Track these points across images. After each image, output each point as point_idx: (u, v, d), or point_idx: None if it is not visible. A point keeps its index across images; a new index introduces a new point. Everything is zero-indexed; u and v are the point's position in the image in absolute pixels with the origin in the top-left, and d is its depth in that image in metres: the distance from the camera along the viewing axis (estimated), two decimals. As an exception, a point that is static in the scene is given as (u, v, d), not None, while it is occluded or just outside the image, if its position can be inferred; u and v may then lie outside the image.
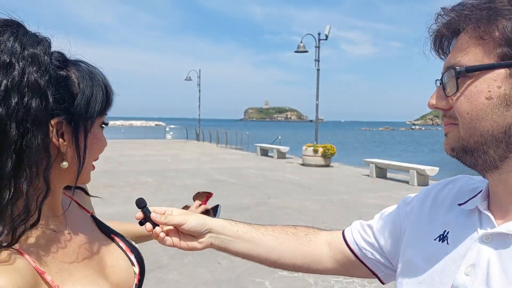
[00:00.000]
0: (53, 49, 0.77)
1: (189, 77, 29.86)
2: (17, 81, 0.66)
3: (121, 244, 0.94)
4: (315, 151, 15.09)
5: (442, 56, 0.72)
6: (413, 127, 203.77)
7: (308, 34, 17.09)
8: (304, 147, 15.62)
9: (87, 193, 1.03)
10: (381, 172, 12.52)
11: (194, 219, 0.94)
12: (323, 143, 15.99)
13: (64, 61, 0.78)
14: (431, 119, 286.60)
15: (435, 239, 0.76)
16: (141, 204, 0.93)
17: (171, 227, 0.94)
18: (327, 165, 15.05)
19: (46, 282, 0.71)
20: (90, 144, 0.81)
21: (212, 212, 1.37)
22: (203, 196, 1.39)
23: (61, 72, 0.76)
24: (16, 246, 0.70)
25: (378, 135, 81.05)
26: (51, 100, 0.70)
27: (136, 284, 0.90)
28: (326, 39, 16.70)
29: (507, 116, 0.62)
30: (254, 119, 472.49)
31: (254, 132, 35.77)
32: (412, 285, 0.76)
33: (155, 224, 0.92)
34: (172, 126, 40.58)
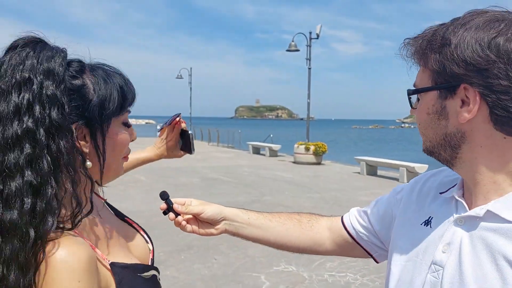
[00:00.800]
0: (74, 56, 0.87)
1: (181, 75, 29.85)
2: (37, 93, 0.77)
3: (134, 225, 1.07)
4: (307, 149, 15.24)
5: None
6: (403, 125, 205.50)
7: (299, 33, 17.22)
8: (295, 145, 15.76)
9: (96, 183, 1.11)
10: (372, 170, 12.71)
11: (211, 209, 1.08)
12: (315, 141, 16.16)
13: (80, 70, 0.87)
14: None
15: (421, 224, 0.88)
16: (164, 196, 1.06)
17: (191, 216, 1.07)
18: (319, 163, 15.22)
19: (98, 255, 0.86)
20: (110, 144, 0.91)
21: (183, 137, 1.37)
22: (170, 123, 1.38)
23: (76, 82, 0.85)
24: (78, 229, 0.83)
25: (368, 133, 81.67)
26: (67, 108, 0.80)
27: (151, 258, 1.03)
28: (318, 38, 16.84)
29: (441, 127, 0.78)
30: (245, 117, 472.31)
31: (246, 130, 35.88)
32: (399, 263, 0.89)
33: (177, 214, 1.05)
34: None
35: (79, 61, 0.89)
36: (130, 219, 1.08)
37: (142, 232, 1.06)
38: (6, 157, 0.75)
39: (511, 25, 0.72)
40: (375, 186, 10.72)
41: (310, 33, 16.81)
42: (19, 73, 0.77)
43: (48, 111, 0.77)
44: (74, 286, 0.74)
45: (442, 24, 0.79)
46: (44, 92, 0.77)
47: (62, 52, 0.84)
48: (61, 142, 0.78)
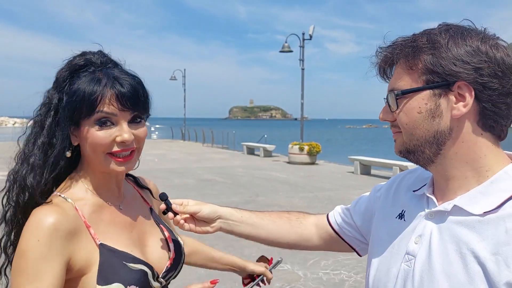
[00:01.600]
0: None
1: (174, 77, 29.83)
2: (47, 98, 1.04)
3: (166, 233, 1.15)
4: (301, 149, 15.33)
5: (387, 80, 0.93)
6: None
7: (292, 34, 17.31)
8: (290, 145, 15.85)
9: (151, 194, 1.27)
10: (365, 169, 12.82)
11: (206, 208, 1.15)
12: (308, 141, 16.25)
13: (68, 78, 1.02)
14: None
15: (396, 217, 0.96)
16: (163, 197, 1.12)
17: (188, 215, 1.13)
18: (313, 163, 15.32)
19: (90, 234, 0.99)
20: (85, 140, 1.01)
21: (272, 267, 1.52)
22: (266, 260, 1.53)
23: (61, 94, 1.02)
24: (73, 204, 1.00)
25: (362, 133, 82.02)
26: (61, 111, 1.01)
27: (167, 266, 1.10)
28: (311, 39, 16.93)
29: (434, 124, 0.84)
30: (239, 117, 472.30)
31: (240, 131, 35.92)
32: (378, 255, 0.96)
33: (175, 213, 1.11)
34: (157, 126, 40.48)
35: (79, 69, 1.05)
36: (167, 229, 1.17)
37: (169, 241, 1.13)
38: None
39: (488, 35, 0.82)
40: (369, 185, 10.82)
41: (303, 34, 16.89)
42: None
43: (53, 112, 1.04)
44: (33, 242, 0.89)
45: (416, 33, 0.86)
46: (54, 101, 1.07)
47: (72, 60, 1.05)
48: (59, 136, 1.02)
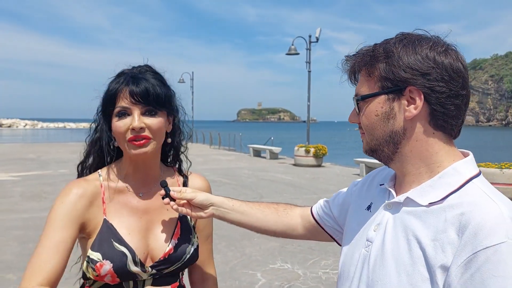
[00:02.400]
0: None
1: (182, 79, 30.07)
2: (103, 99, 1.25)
3: (177, 230, 1.28)
4: (307, 152, 15.39)
5: (355, 84, 1.02)
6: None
7: (299, 36, 17.39)
8: (296, 148, 15.91)
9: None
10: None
11: (201, 196, 1.25)
12: (316, 143, 16.29)
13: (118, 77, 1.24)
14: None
15: (365, 209, 1.06)
16: (163, 184, 1.24)
17: (185, 201, 1.24)
18: (319, 165, 15.38)
19: (102, 208, 1.22)
20: (113, 129, 1.22)
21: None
22: None
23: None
24: (101, 182, 1.25)
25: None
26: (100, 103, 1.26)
27: (160, 259, 1.23)
28: (317, 42, 17.00)
29: (389, 125, 0.93)
30: (247, 120, 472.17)
31: (247, 133, 35.97)
32: (347, 243, 1.06)
33: (172, 199, 1.23)
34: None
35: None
36: (183, 226, 1.29)
37: (174, 237, 1.26)
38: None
39: (438, 43, 0.91)
40: (373, 187, 10.82)
41: (310, 36, 16.97)
42: None
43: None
44: (58, 204, 1.18)
45: (377, 44, 0.96)
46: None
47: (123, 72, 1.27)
48: (103, 125, 1.27)
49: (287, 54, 17.46)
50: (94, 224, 1.20)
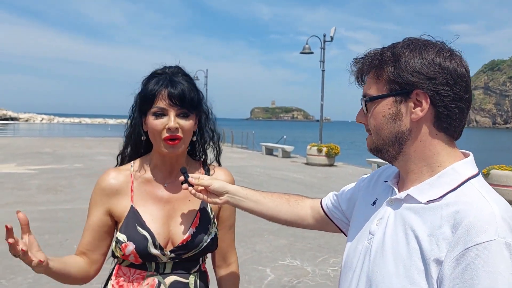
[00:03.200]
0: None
1: (197, 77, 30.18)
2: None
3: (196, 219, 1.38)
4: (319, 151, 15.38)
5: (362, 85, 1.07)
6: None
7: (313, 35, 17.38)
8: (308, 147, 15.91)
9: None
10: (383, 172, 12.76)
11: (217, 183, 1.33)
12: (330, 143, 16.24)
13: (146, 81, 1.35)
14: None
15: (370, 204, 1.11)
16: (183, 170, 1.33)
17: (203, 188, 1.32)
18: (331, 165, 15.36)
19: (130, 196, 1.36)
20: (148, 127, 1.33)
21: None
22: None
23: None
24: (131, 172, 1.39)
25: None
26: (136, 105, 1.38)
27: (178, 244, 1.33)
28: (332, 41, 16.96)
29: (395, 126, 0.97)
30: (261, 118, 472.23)
31: (260, 131, 35.99)
32: (353, 235, 1.12)
33: (191, 185, 1.31)
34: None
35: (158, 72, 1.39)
36: (202, 216, 1.39)
37: (192, 226, 1.36)
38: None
39: (443, 48, 0.96)
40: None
41: (324, 35, 16.95)
42: None
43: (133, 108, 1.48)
44: (94, 191, 1.38)
45: (384, 47, 1.01)
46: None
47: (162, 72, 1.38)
48: (138, 121, 1.39)
49: (301, 53, 17.46)
50: (122, 209, 1.35)
